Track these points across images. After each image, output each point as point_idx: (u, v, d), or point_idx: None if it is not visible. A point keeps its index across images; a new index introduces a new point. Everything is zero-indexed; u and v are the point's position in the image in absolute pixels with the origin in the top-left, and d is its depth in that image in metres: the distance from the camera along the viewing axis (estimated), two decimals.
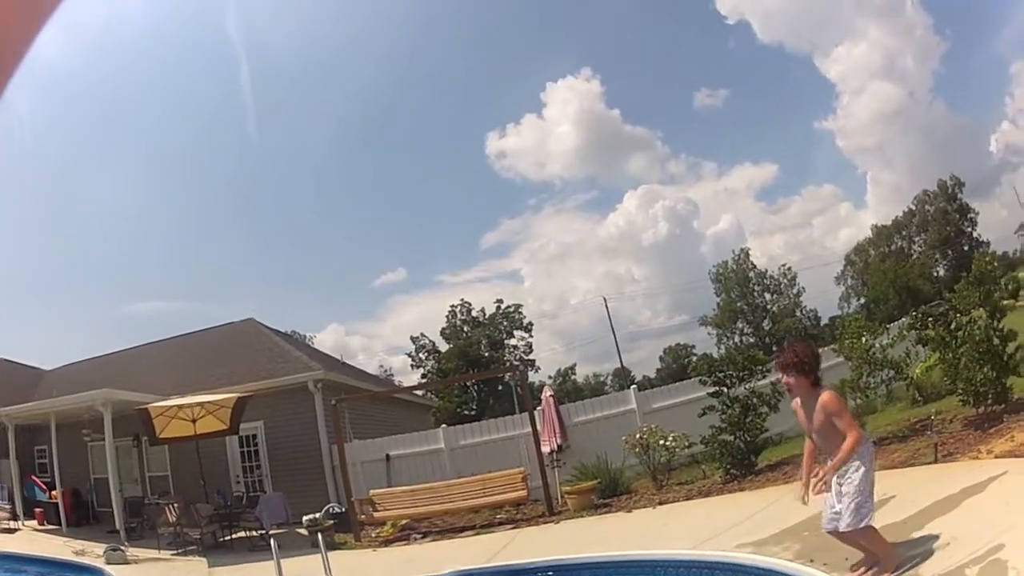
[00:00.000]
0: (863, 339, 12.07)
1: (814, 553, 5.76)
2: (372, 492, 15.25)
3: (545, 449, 14.33)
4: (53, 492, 19.60)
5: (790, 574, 5.65)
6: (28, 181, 59.10)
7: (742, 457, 11.64)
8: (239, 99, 64.82)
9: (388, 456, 17.83)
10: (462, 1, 72.87)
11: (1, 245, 59.92)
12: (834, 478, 5.26)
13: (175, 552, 14.58)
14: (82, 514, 20.29)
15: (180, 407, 16.00)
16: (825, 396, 5.33)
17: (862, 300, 59.46)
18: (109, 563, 12.74)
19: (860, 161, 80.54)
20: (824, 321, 61.50)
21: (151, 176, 67.57)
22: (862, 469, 5.16)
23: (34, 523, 19.69)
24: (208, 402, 16.35)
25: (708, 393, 12.43)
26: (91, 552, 14.18)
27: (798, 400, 5.57)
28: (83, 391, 18.44)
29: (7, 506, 19.41)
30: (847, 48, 66.52)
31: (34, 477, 21.31)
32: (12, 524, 18.76)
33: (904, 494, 6.87)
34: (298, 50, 67.35)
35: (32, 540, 17.07)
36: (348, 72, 69.79)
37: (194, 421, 16.41)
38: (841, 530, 5.18)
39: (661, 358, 73.40)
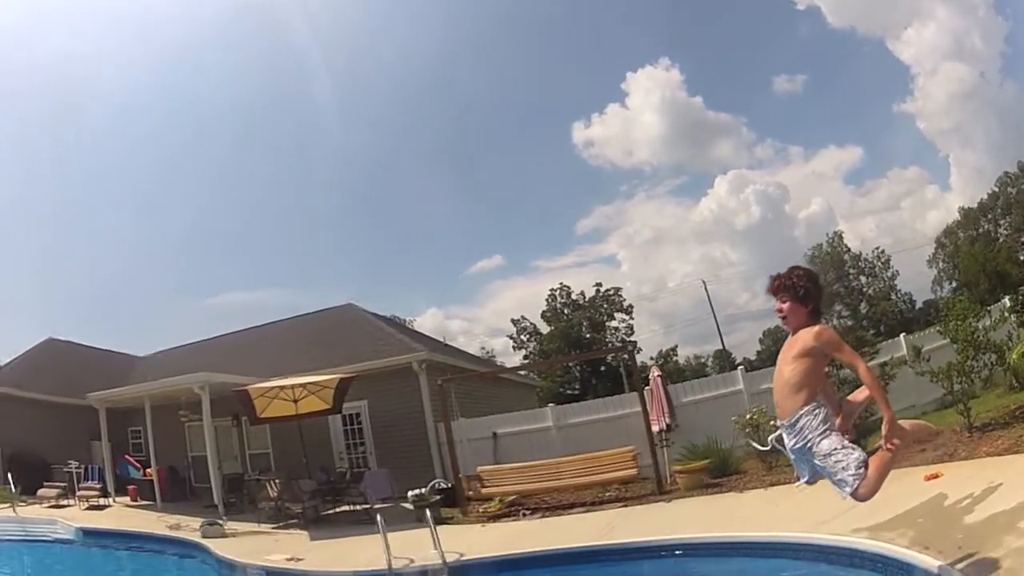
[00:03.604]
0: (967, 321, 11.81)
1: (928, 540, 5.77)
2: (480, 468, 15.71)
3: (654, 428, 14.51)
4: (148, 470, 20.79)
5: (906, 561, 5.61)
6: (125, 176, 62.35)
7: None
8: (335, 89, 66.02)
9: (495, 434, 18.34)
10: None
11: (102, 239, 63.75)
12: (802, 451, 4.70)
13: (275, 526, 15.17)
14: (178, 490, 21.45)
15: (281, 388, 16.64)
16: (820, 327, 4.73)
17: (954, 284, 57.52)
18: (205, 536, 13.31)
19: (941, 143, 79.69)
20: (919, 305, 60.71)
21: (247, 169, 71.22)
22: (829, 436, 4.58)
23: (126, 499, 20.93)
24: (310, 383, 16.94)
25: None
26: (187, 526, 14.85)
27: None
28: (177, 375, 19.56)
29: (98, 485, 20.61)
30: (916, 30, 66.83)
31: (128, 456, 22.71)
32: (103, 501, 19.95)
33: (1011, 480, 6.89)
34: (388, 46, 68.29)
35: (122, 516, 17.96)
36: (438, 66, 70.81)
37: (296, 401, 17.09)
38: (858, 494, 4.57)
39: (761, 340, 72.88)
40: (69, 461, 21.68)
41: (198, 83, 61.75)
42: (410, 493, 14.40)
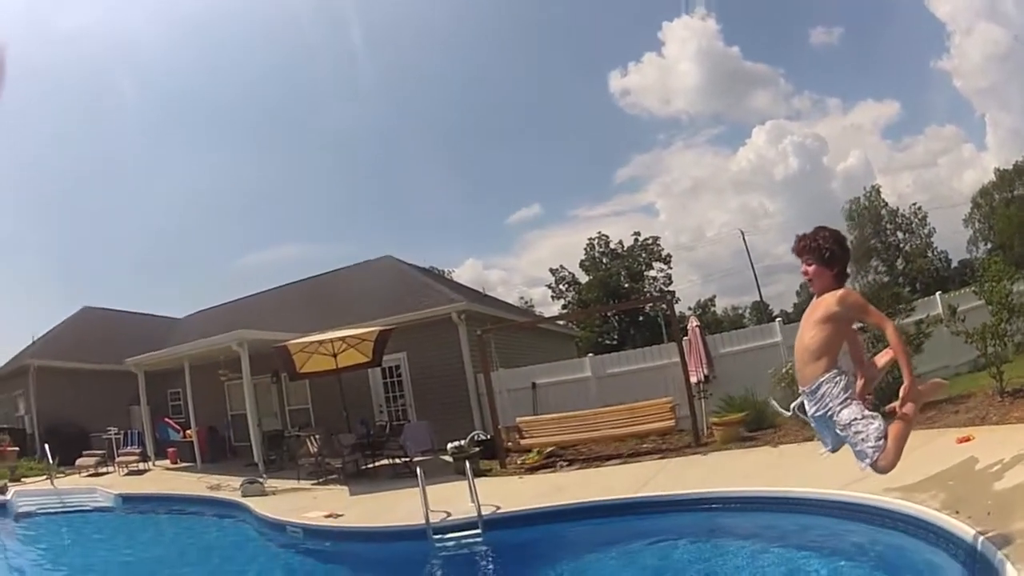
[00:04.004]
0: (1001, 283, 11.51)
1: (958, 504, 5.67)
2: (519, 419, 15.78)
3: (692, 379, 14.46)
4: (187, 431, 21.17)
5: (937, 524, 5.54)
6: (157, 136, 62.73)
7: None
8: (371, 37, 65.71)
9: (534, 384, 18.35)
10: None
11: (137, 203, 64.46)
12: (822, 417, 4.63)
13: (315, 482, 15.26)
14: (218, 450, 21.92)
15: (320, 343, 16.65)
16: (845, 290, 4.64)
17: (989, 245, 56.38)
18: (245, 496, 13.44)
19: (977, 103, 77.74)
20: (955, 264, 59.49)
21: (285, 124, 71.23)
22: (850, 405, 4.51)
23: (166, 462, 21.38)
24: (350, 336, 16.93)
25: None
26: (227, 486, 15.04)
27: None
28: (216, 335, 19.74)
29: (137, 450, 20.98)
30: None
31: (167, 419, 23.19)
32: (142, 466, 20.32)
33: None
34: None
35: (162, 479, 18.29)
36: (474, 16, 70.02)
37: (335, 355, 17.19)
38: (877, 466, 4.54)
39: (798, 293, 72.41)
40: (108, 428, 22.22)
41: (232, 40, 61.44)
42: (449, 445, 14.61)
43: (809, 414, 4.66)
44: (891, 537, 6.16)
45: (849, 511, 6.72)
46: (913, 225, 62.50)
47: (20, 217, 53.14)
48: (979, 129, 75.51)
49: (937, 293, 16.30)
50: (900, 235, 62.80)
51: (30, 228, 54.36)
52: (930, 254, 61.32)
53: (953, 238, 64.14)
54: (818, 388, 4.50)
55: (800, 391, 4.74)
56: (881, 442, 4.36)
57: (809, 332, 4.58)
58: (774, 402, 4.77)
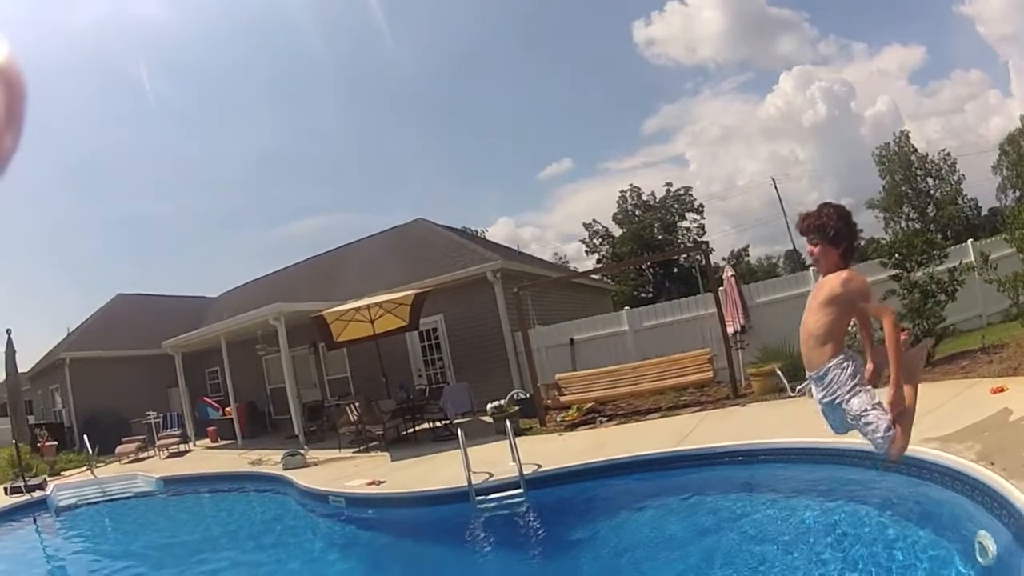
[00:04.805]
0: None
1: (993, 456, 5.62)
2: (558, 376, 15.80)
3: (729, 330, 14.37)
4: (227, 409, 21.38)
5: (972, 476, 5.49)
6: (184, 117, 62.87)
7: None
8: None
9: (572, 340, 18.36)
10: None
11: (170, 185, 65.00)
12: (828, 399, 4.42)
13: (357, 450, 15.36)
14: (258, 425, 22.20)
15: (357, 310, 16.65)
16: (849, 272, 4.35)
17: (1017, 193, 55.19)
18: (287, 468, 13.52)
19: (1001, 50, 75.26)
20: (984, 212, 58.31)
21: (313, 88, 71.98)
22: (859, 394, 4.28)
23: (206, 442, 21.64)
24: (386, 301, 16.93)
25: (889, 276, 12.20)
26: (268, 460, 15.21)
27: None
28: (251, 310, 19.84)
29: (177, 432, 21.29)
30: None
31: (206, 398, 23.52)
32: (182, 447, 20.60)
33: None
34: None
35: (203, 459, 18.46)
36: None
37: (372, 321, 17.21)
38: (890, 457, 4.36)
39: None
40: (147, 412, 22.56)
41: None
42: (489, 405, 14.63)
43: (816, 399, 4.54)
44: (927, 489, 6.13)
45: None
46: (943, 172, 61.54)
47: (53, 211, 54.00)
48: (1004, 76, 75.39)
49: (969, 241, 16.02)
50: (930, 181, 61.91)
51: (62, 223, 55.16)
52: (960, 201, 60.38)
53: (983, 185, 63.02)
54: (825, 374, 4.36)
55: (807, 376, 4.60)
56: (891, 432, 4.18)
57: (813, 316, 4.38)
58: (779, 372, 4.59)
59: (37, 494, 14.15)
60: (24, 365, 22.64)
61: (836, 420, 4.51)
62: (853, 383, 4.26)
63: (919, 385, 4.34)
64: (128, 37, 54.62)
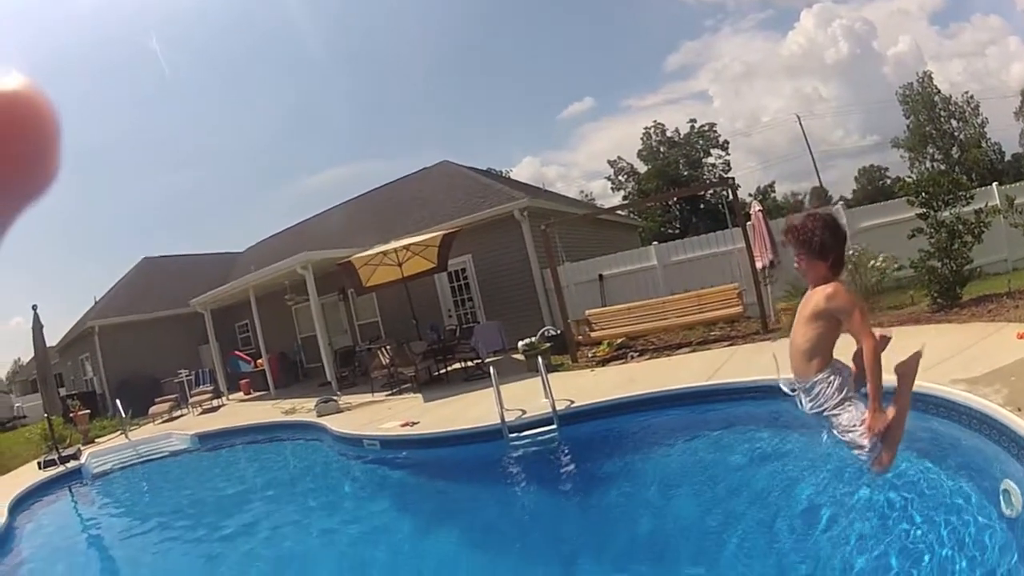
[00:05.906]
0: None
1: (1021, 401, 5.50)
2: (588, 312, 15.81)
3: (758, 265, 14.25)
4: (259, 361, 21.65)
5: (1002, 422, 5.36)
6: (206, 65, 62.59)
7: (948, 287, 11.37)
8: None
9: (601, 276, 18.39)
10: None
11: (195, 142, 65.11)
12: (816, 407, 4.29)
13: (389, 393, 15.51)
14: (290, 375, 22.63)
15: (384, 253, 16.62)
16: (834, 286, 4.15)
17: None
18: (321, 415, 13.63)
19: None
20: (1008, 157, 57.08)
21: (334, 37, 71.47)
22: (848, 409, 4.14)
23: (239, 395, 21.91)
24: (414, 243, 16.89)
25: (916, 215, 12.09)
26: (302, 408, 15.37)
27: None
28: (278, 261, 19.82)
29: (209, 387, 21.52)
30: None
31: (237, 352, 23.79)
32: (216, 402, 20.74)
33: None
34: None
35: (237, 412, 18.56)
36: None
37: (400, 264, 17.19)
38: (875, 472, 4.29)
39: (856, 179, 71.38)
40: (178, 371, 22.94)
41: None
42: (520, 343, 14.74)
43: (805, 408, 4.51)
44: (953, 430, 6.08)
45: (916, 402, 6.64)
46: (966, 114, 60.44)
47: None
48: (1022, 23, 72.52)
49: (994, 184, 15.79)
50: (954, 123, 60.89)
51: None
52: (984, 144, 59.36)
53: (1007, 130, 61.97)
54: (812, 387, 4.33)
55: (796, 385, 4.55)
56: (876, 450, 4.10)
57: (800, 330, 4.27)
58: (775, 356, 4.50)
59: (72, 464, 14.21)
60: (51, 339, 22.94)
61: (824, 430, 4.53)
62: (840, 396, 4.21)
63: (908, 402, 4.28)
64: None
